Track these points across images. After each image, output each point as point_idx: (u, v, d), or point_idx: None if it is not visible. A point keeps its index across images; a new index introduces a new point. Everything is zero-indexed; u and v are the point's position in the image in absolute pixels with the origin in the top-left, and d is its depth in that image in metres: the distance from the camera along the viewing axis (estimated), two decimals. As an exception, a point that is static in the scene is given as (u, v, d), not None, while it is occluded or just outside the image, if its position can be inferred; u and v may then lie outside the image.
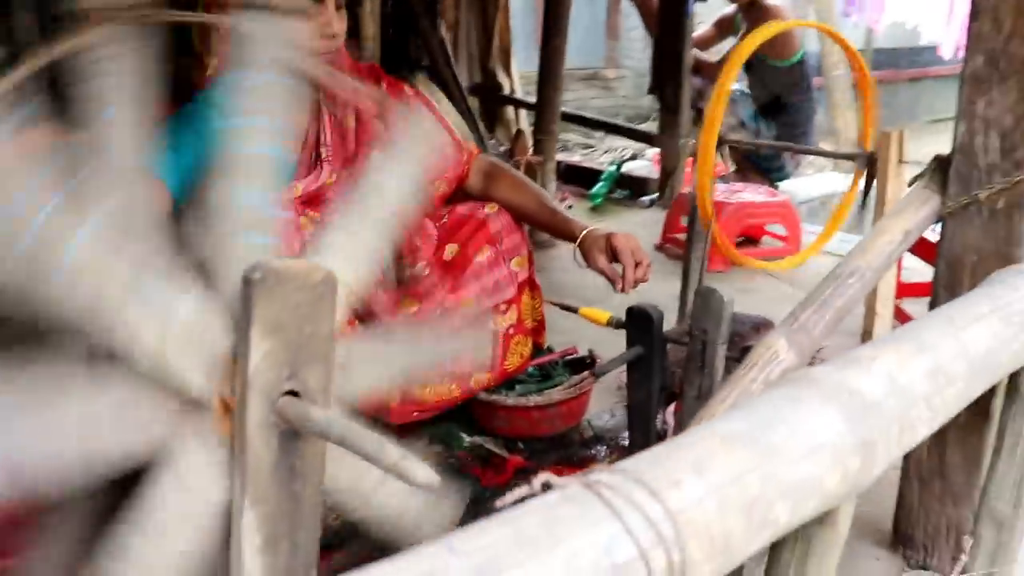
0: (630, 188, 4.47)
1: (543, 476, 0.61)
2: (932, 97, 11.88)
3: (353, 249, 1.09)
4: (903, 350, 0.89)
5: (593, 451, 2.12)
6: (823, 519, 0.87)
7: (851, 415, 0.77)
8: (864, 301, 2.29)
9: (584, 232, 1.99)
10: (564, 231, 2.05)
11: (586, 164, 5.19)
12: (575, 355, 2.32)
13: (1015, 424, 1.35)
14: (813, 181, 4.47)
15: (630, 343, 1.81)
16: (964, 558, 1.42)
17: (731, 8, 4.24)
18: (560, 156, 7.23)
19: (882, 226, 1.50)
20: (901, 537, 1.70)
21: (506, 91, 4.90)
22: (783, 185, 4.32)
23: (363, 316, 1.80)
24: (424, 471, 0.77)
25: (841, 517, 0.86)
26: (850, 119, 8.56)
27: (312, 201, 1.93)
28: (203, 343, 0.92)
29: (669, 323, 1.90)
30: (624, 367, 1.86)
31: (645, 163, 5.17)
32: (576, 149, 8.12)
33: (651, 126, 8.07)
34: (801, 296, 1.45)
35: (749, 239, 3.66)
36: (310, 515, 0.97)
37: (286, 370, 0.91)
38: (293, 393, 0.92)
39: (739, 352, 1.82)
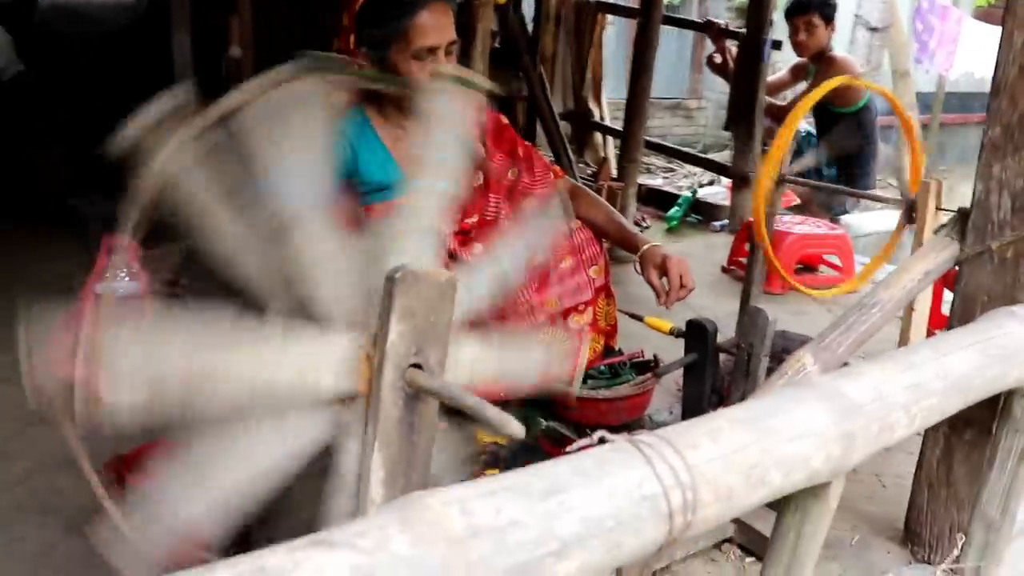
0: (703, 213, 4.61)
1: (600, 433, 0.81)
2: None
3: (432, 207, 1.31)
4: (890, 368, 1.06)
5: (650, 441, 2.29)
6: (817, 493, 1.04)
7: (837, 412, 0.94)
8: (900, 333, 2.42)
9: (646, 247, 2.16)
10: (630, 244, 2.23)
11: (665, 188, 5.34)
12: (641, 358, 2.49)
13: (1006, 441, 1.49)
14: (874, 217, 4.54)
15: (687, 350, 1.99)
16: (956, 552, 1.56)
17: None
18: (643, 179, 7.37)
19: (905, 265, 1.65)
20: (910, 535, 1.83)
21: (596, 118, 5.08)
22: (845, 219, 4.41)
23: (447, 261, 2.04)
24: (514, 425, 0.97)
25: (831, 493, 1.03)
26: (905, 157, 8.46)
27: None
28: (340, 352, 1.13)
29: (727, 336, 2.08)
30: (682, 371, 2.04)
31: (720, 189, 5.29)
32: (659, 173, 8.24)
33: (728, 155, 8.16)
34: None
35: (808, 267, 3.78)
36: (423, 461, 1.18)
37: (413, 347, 1.12)
38: (417, 366, 1.13)
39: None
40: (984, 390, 1.21)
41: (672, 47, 9.88)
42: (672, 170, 8.25)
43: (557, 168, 2.42)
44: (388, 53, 2.01)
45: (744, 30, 4.20)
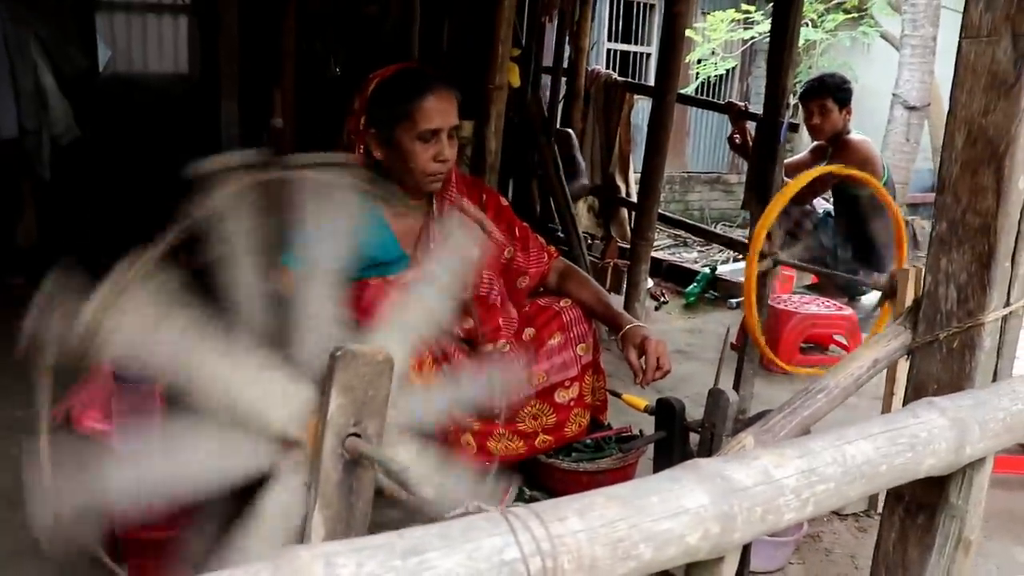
0: (721, 290, 4.68)
1: (475, 503, 0.91)
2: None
3: (420, 310, 1.43)
4: (786, 453, 1.13)
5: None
6: (711, 569, 1.12)
7: (716, 494, 1.02)
8: (883, 405, 2.47)
9: (628, 327, 2.25)
10: (614, 323, 2.33)
11: (684, 264, 5.42)
12: (628, 433, 2.56)
13: (944, 527, 1.54)
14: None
15: (657, 427, 2.06)
16: (899, 636, 1.59)
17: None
18: (677, 253, 7.43)
19: (856, 353, 1.72)
20: (868, 617, 1.86)
21: (622, 194, 5.20)
22: (865, 299, 4.43)
23: (442, 360, 2.14)
24: (431, 493, 1.07)
25: (724, 570, 1.11)
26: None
27: None
28: (299, 401, 1.26)
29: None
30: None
31: (737, 267, 5.34)
32: (695, 246, 8.33)
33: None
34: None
35: (818, 346, 3.82)
36: (360, 521, 1.28)
37: (352, 418, 1.23)
38: (356, 435, 1.24)
39: (745, 444, 2.04)
40: (893, 477, 1.27)
41: (713, 123, 10.04)
42: (709, 245, 8.32)
43: (552, 249, 2.53)
44: (394, 134, 2.16)
45: (760, 113, 4.31)
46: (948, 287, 1.66)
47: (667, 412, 2.01)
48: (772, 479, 1.09)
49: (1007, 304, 1.63)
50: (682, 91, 4.24)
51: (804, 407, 1.61)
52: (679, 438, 2.01)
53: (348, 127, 2.23)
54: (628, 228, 5.34)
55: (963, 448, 1.35)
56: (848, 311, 3.70)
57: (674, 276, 5.02)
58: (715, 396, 1.89)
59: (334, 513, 1.25)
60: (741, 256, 6.03)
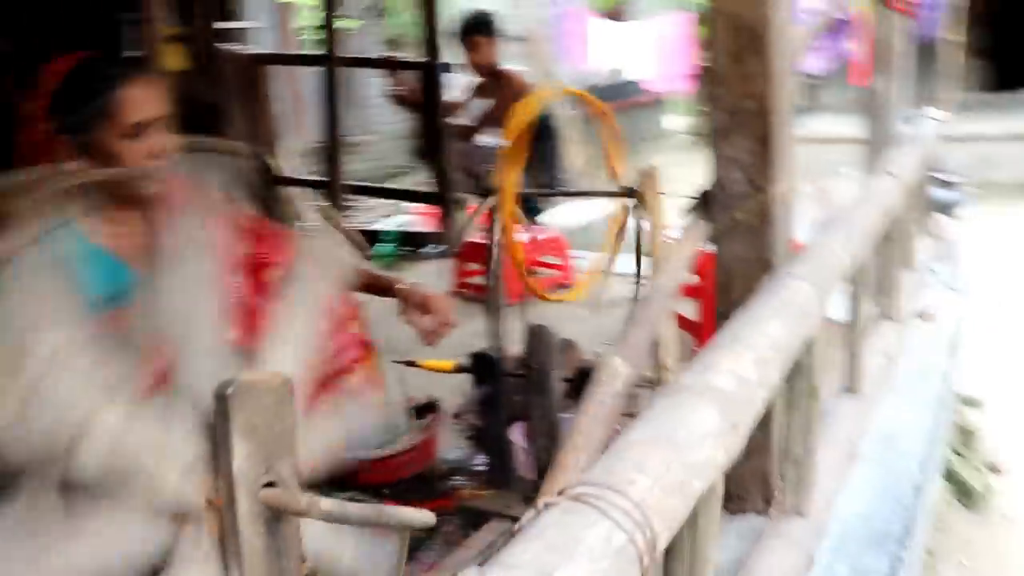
0: (411, 243, 4.65)
1: (544, 498, 0.76)
2: (636, 122, 12.73)
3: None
4: (736, 351, 1.12)
5: (453, 482, 2.25)
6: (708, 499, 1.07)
7: (721, 407, 0.97)
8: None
9: (402, 288, 2.07)
10: (382, 288, 2.14)
11: (363, 227, 5.31)
12: (420, 403, 2.43)
13: (799, 386, 1.64)
14: (570, 211, 4.84)
15: (478, 383, 1.98)
16: (777, 495, 1.70)
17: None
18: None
19: (668, 252, 1.76)
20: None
21: (274, 172, 4.90)
22: (542, 219, 4.63)
23: None
24: (420, 515, 0.89)
25: (719, 485, 1.07)
26: (577, 151, 9.24)
27: None
28: (178, 454, 0.99)
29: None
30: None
31: (410, 218, 5.32)
32: (349, 210, 8.20)
33: (404, 182, 8.34)
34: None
35: (530, 270, 3.94)
36: (294, 585, 1.05)
37: (263, 465, 0.99)
38: (270, 484, 1.00)
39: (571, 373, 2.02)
40: (797, 348, 1.31)
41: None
42: (371, 207, 8.22)
43: (289, 231, 2.29)
44: (93, 137, 1.78)
45: (421, 60, 4.30)
46: (734, 171, 1.75)
47: (486, 365, 1.93)
48: (742, 378, 1.06)
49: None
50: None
51: (647, 316, 1.61)
52: (504, 387, 1.94)
53: (25, 140, 1.81)
54: (294, 206, 5.07)
55: (824, 305, 1.44)
56: (555, 233, 3.85)
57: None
58: (537, 334, 1.85)
59: (264, 585, 1.01)
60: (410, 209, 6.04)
